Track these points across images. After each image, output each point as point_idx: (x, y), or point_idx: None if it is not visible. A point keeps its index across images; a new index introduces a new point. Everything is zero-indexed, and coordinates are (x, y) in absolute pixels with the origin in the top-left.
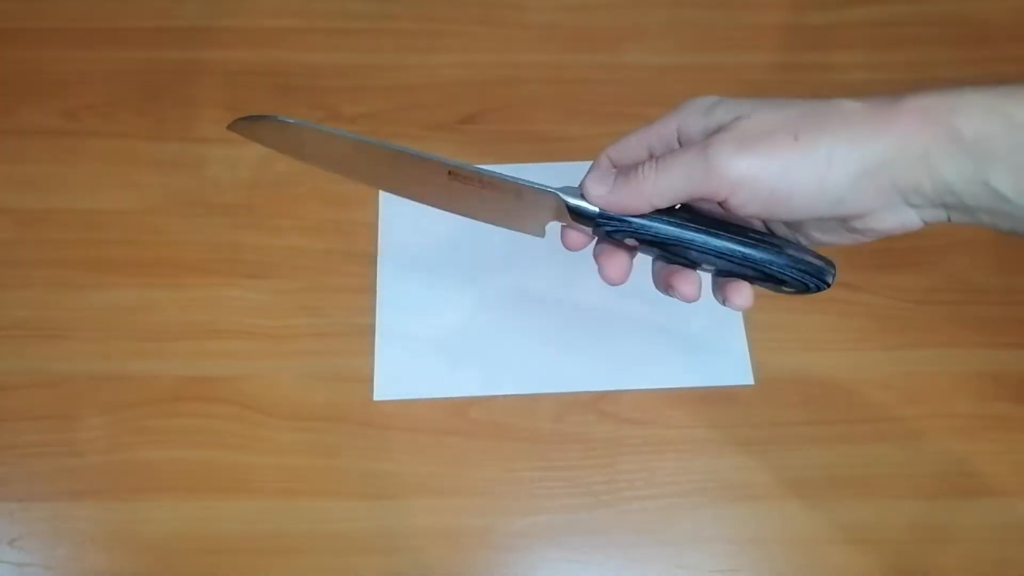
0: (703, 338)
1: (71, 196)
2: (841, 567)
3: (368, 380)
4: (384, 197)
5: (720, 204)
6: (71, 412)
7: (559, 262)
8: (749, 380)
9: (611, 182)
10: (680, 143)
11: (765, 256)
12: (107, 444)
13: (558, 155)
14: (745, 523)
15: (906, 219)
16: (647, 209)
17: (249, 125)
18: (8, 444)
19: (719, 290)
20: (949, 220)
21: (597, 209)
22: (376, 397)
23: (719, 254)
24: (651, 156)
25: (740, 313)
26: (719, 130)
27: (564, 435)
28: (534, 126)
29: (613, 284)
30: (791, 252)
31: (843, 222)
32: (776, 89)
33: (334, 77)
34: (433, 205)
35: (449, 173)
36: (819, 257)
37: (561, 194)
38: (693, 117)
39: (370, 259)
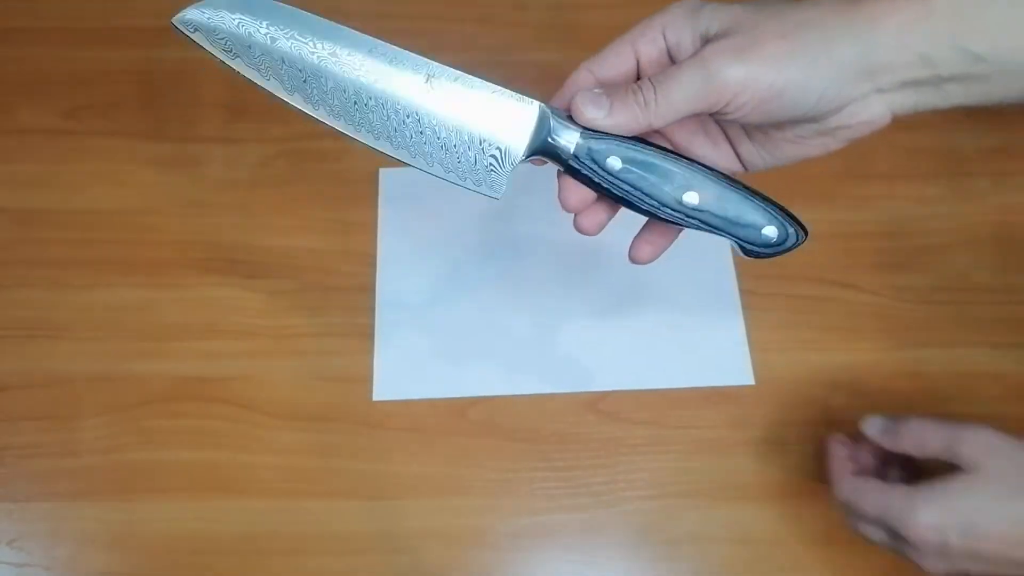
0: (703, 338)
1: (71, 196)
2: (841, 567)
3: (368, 380)
4: (384, 196)
5: (715, 115)
6: (71, 412)
7: (560, 261)
8: (749, 380)
9: (606, 104)
10: (667, 43)
11: (748, 195)
12: (107, 444)
13: None
14: (745, 523)
15: (875, 112)
16: (644, 131)
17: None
18: (8, 444)
19: (640, 240)
20: (916, 109)
21: (579, 132)
22: (376, 397)
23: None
24: (638, 62)
25: (740, 313)
26: (710, 40)
27: (564, 435)
28: None
29: (573, 211)
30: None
31: (817, 122)
32: None
33: None
34: (365, 136)
35: (428, 78)
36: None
37: (547, 106)
38: (680, 19)
39: (370, 259)
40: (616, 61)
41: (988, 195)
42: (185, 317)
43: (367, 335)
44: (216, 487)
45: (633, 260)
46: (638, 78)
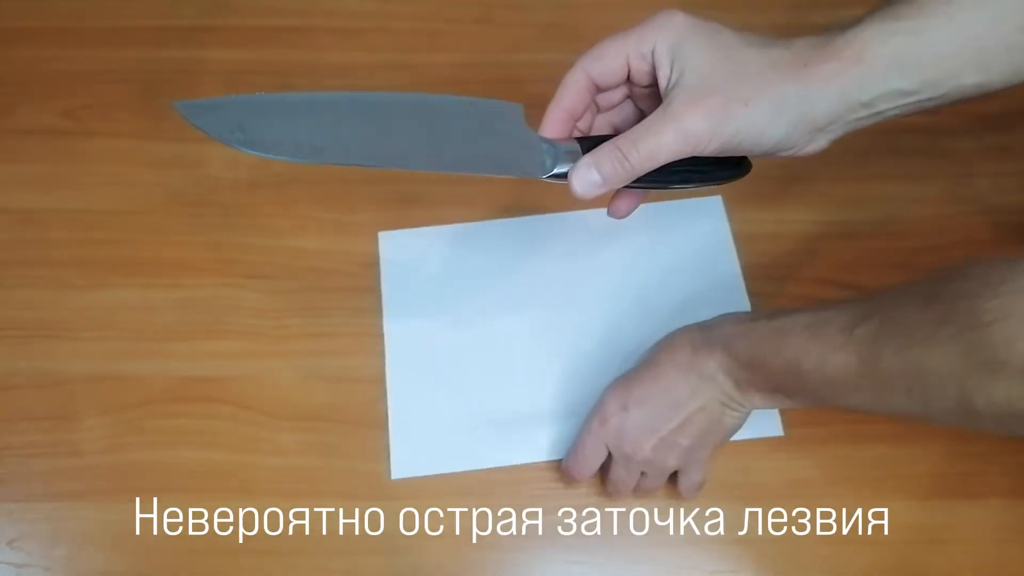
0: None
1: (71, 196)
2: (841, 567)
3: (367, 381)
4: (385, 264)
5: None
6: (71, 412)
7: (578, 308)
8: None
9: (598, 179)
10: (653, 58)
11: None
12: (107, 444)
13: None
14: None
15: (817, 146)
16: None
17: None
18: (8, 444)
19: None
20: (849, 131)
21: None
22: (395, 476)
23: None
24: (628, 68)
25: None
26: (683, 81)
27: None
28: (535, 126)
29: (620, 218)
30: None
31: (768, 154)
32: None
33: (334, 77)
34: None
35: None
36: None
37: (546, 176)
38: (667, 44)
39: (370, 259)
40: (611, 66)
41: (988, 195)
42: (185, 317)
43: (367, 334)
44: (216, 487)
45: (611, 215)
46: (628, 78)
